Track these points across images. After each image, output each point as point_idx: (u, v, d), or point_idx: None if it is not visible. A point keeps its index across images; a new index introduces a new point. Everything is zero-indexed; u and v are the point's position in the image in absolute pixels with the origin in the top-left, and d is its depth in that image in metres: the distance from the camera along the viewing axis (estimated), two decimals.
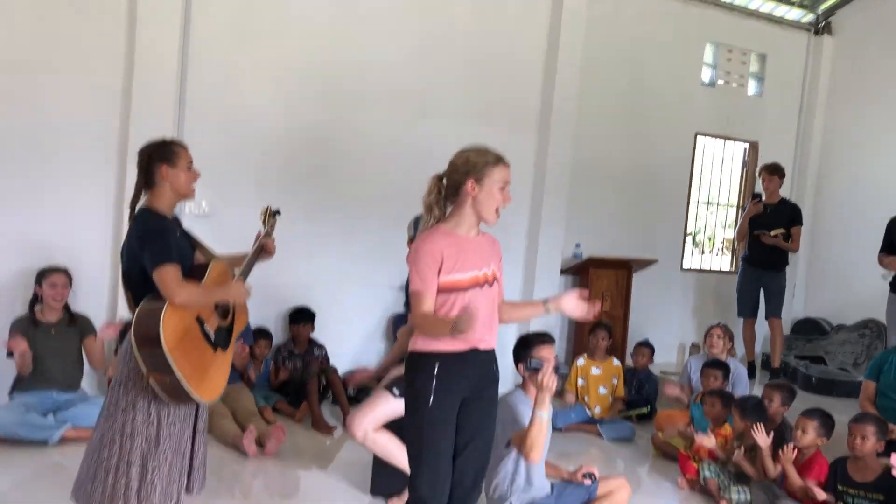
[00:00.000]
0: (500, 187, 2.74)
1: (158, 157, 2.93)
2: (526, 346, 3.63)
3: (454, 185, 2.75)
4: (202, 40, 5.44)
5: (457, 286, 2.70)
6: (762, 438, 4.14)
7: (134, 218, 2.93)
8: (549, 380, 3.20)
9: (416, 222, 3.93)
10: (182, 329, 2.79)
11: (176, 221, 3.03)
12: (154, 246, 2.79)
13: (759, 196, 6.78)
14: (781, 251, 6.63)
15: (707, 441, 4.51)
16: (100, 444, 2.84)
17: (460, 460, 2.77)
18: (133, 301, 2.89)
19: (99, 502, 2.80)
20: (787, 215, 6.62)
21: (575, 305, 2.90)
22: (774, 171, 6.67)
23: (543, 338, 3.66)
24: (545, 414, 3.28)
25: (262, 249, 3.23)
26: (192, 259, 2.99)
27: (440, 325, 2.66)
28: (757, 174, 7.15)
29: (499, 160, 2.76)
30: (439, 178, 2.79)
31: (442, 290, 2.70)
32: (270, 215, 3.37)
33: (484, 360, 2.82)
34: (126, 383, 2.82)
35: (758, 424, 4.16)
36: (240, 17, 5.58)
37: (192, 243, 3.08)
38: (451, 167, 2.78)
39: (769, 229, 6.55)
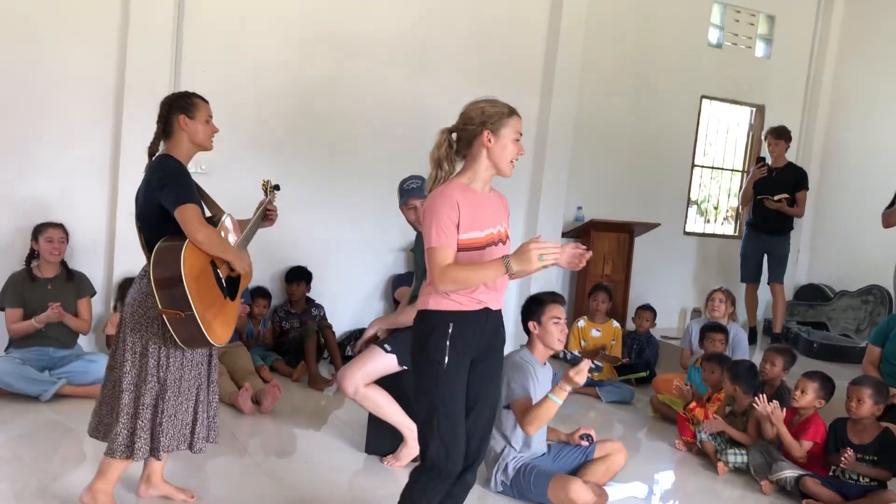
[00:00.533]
0: (515, 139, 2.65)
1: (178, 108, 3.01)
2: (539, 304, 3.65)
3: (469, 137, 2.65)
4: None
5: (473, 244, 2.60)
6: (763, 406, 4.10)
7: (152, 163, 3.00)
8: (580, 377, 3.22)
9: (402, 185, 3.91)
10: (199, 268, 2.86)
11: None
12: (177, 187, 2.88)
13: (765, 160, 6.69)
14: (786, 216, 6.55)
15: (714, 426, 4.40)
16: (120, 388, 2.94)
17: (468, 422, 2.69)
18: (146, 244, 2.97)
19: (122, 444, 2.93)
20: (792, 180, 6.53)
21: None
22: (781, 135, 6.56)
23: (555, 297, 3.69)
24: (559, 401, 3.30)
25: (265, 217, 3.34)
26: (203, 210, 3.05)
27: (484, 270, 2.53)
28: (763, 138, 7.05)
29: (512, 111, 2.68)
30: (449, 131, 2.69)
31: (458, 249, 2.58)
32: (271, 189, 3.46)
33: (495, 320, 2.74)
34: (138, 329, 2.91)
35: (760, 396, 4.12)
36: None
37: (202, 197, 3.16)
38: (464, 119, 2.67)
39: (774, 194, 6.47)
